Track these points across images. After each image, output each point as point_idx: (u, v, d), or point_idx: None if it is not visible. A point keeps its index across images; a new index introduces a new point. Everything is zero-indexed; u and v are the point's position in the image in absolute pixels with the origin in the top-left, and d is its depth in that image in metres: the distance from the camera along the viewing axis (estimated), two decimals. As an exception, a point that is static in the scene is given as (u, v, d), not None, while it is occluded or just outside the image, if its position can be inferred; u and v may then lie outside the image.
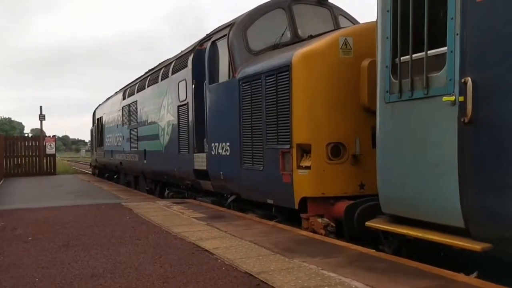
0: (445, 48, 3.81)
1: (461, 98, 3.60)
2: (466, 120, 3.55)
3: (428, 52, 3.97)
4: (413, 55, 4.12)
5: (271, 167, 6.16)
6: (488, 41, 3.50)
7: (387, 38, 4.40)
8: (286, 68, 5.85)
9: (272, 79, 6.15)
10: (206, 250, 4.56)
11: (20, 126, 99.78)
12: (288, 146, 5.80)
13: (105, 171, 19.08)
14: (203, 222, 6.34)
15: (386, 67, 4.41)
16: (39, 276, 3.83)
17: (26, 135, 53.06)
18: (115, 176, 17.30)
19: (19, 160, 21.62)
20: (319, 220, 5.47)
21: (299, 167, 5.66)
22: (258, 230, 5.62)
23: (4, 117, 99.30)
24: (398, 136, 4.32)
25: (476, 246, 3.54)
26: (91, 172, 23.79)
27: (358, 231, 4.99)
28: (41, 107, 24.24)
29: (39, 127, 25.08)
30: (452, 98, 3.69)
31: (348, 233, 5.18)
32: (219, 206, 7.84)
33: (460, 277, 3.45)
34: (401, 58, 4.25)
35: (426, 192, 3.99)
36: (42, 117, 24.07)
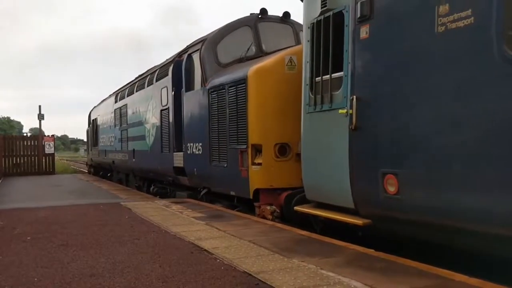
0: (342, 72, 4.97)
1: (350, 111, 4.71)
2: (353, 128, 4.69)
3: (332, 75, 5.16)
4: (323, 77, 5.31)
5: (233, 164, 7.24)
6: (366, 69, 4.68)
7: (307, 62, 5.63)
8: (243, 81, 6.96)
9: (233, 90, 7.26)
10: (205, 250, 4.57)
11: (19, 126, 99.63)
12: (245, 146, 6.90)
13: (100, 170, 20.09)
14: (202, 221, 6.34)
15: (307, 85, 5.62)
16: (38, 276, 3.83)
17: (25, 134, 52.99)
18: (108, 174, 18.24)
19: (18, 160, 21.58)
20: (268, 207, 6.57)
21: (253, 163, 6.75)
22: (257, 229, 5.63)
23: (3, 116, 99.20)
24: (313, 138, 5.56)
25: (359, 221, 4.70)
26: (87, 171, 24.54)
27: (294, 215, 6.06)
28: (40, 107, 24.23)
29: (38, 126, 25.06)
30: (345, 111, 4.82)
31: (287, 217, 6.32)
32: (195, 199, 8.62)
33: (459, 276, 3.45)
34: (316, 78, 5.43)
35: (331, 182, 5.16)
36: (41, 117, 24.06)
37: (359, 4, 4.69)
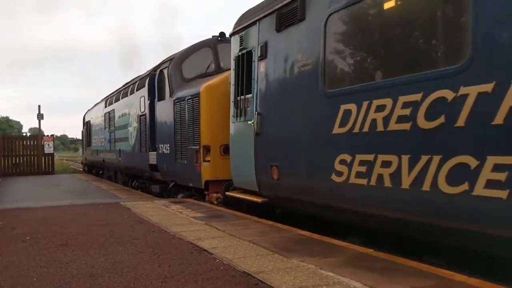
0: (251, 95, 6.73)
1: (255, 123, 6.47)
2: (254, 133, 6.50)
3: (246, 96, 6.91)
4: (241, 97, 7.04)
5: (191, 161, 8.96)
6: (262, 93, 6.45)
7: (232, 85, 7.37)
8: (197, 95, 8.72)
9: (191, 101, 9.00)
10: (205, 250, 4.56)
11: (18, 125, 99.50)
12: (198, 147, 8.60)
13: (93, 168, 21.84)
14: (201, 221, 6.34)
15: (232, 102, 7.31)
16: (38, 276, 3.82)
17: (24, 134, 52.96)
18: (100, 172, 19.98)
19: (17, 160, 21.56)
20: (214, 195, 8.25)
21: (204, 160, 8.44)
22: (257, 229, 5.63)
23: (2, 116, 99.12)
24: (236, 141, 7.26)
25: (259, 200, 6.52)
26: (81, 169, 25.62)
27: (230, 200, 7.66)
28: (39, 106, 24.25)
29: (37, 126, 25.07)
30: (252, 122, 6.56)
31: (227, 202, 7.86)
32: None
33: (458, 276, 3.45)
34: (237, 98, 7.15)
35: (246, 173, 6.84)
36: (40, 116, 24.07)
37: (259, 46, 6.50)
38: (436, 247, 4.25)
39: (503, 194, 3.22)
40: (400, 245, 4.48)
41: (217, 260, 4.16)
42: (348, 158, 4.72)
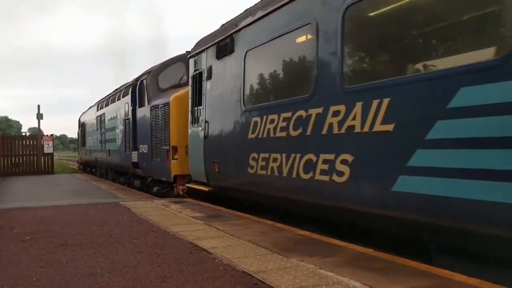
0: (202, 106, 8.54)
1: (204, 128, 8.31)
2: (203, 136, 8.29)
3: (198, 107, 8.74)
4: (195, 108, 8.88)
5: (163, 159, 10.62)
6: (208, 106, 8.29)
7: (190, 98, 9.19)
8: (168, 104, 10.43)
9: (163, 109, 10.71)
10: (204, 250, 4.56)
11: (18, 125, 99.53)
12: (169, 147, 10.25)
13: (87, 166, 23.54)
14: (201, 221, 6.34)
15: (190, 111, 9.10)
16: (37, 276, 3.82)
17: (23, 134, 52.90)
18: (93, 170, 21.67)
19: (17, 159, 21.54)
20: (180, 187, 9.89)
21: (173, 158, 10.08)
22: (256, 229, 5.63)
23: (2, 115, 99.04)
24: (192, 143, 8.99)
25: (206, 189, 8.28)
26: (77, 167, 27.53)
27: (191, 191, 9.26)
28: (39, 106, 24.24)
29: (36, 126, 25.05)
30: (202, 128, 8.38)
31: (188, 193, 9.51)
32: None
33: (458, 276, 3.45)
34: (193, 108, 8.98)
35: (198, 168, 8.58)
36: (40, 116, 24.07)
37: (206, 69, 8.39)
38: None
39: (326, 178, 5.02)
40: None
41: (217, 260, 4.15)
42: (256, 155, 6.54)
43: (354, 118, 4.65)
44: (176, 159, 10.00)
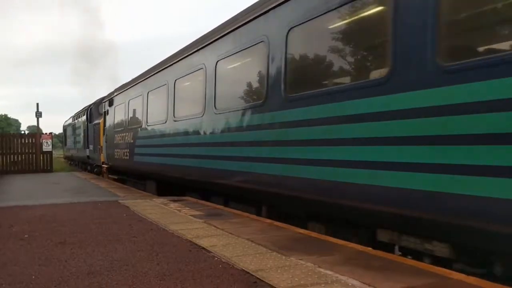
0: (106, 127, 17.03)
1: (106, 138, 16.98)
2: (105, 141, 16.98)
3: (105, 128, 17.19)
4: (105, 128, 17.33)
5: (98, 153, 18.88)
6: (106, 130, 16.93)
7: (102, 123, 17.61)
8: (99, 123, 18.69)
9: (98, 126, 19.11)
10: (203, 248, 4.57)
11: (17, 123, 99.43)
12: (100, 146, 18.33)
13: (69, 159, 34.70)
14: (200, 219, 6.34)
15: (104, 129, 17.92)
16: (36, 274, 3.82)
17: (22, 132, 52.81)
18: (71, 162, 32.72)
19: (16, 158, 21.53)
20: (104, 166, 17.48)
21: (100, 152, 18.05)
22: (255, 228, 5.64)
23: (1, 114, 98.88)
24: (104, 144, 17.19)
25: (106, 166, 17.29)
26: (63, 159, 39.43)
27: (109, 169, 17.19)
28: (37, 104, 24.17)
29: (35, 124, 25.00)
30: (105, 138, 17.06)
31: (107, 170, 17.37)
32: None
33: (456, 275, 3.46)
34: (104, 128, 17.48)
35: (105, 156, 16.95)
36: (38, 114, 23.99)
37: (107, 110, 16.54)
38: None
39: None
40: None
41: (216, 258, 4.16)
42: (118, 151, 14.08)
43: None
44: (101, 152, 17.53)
